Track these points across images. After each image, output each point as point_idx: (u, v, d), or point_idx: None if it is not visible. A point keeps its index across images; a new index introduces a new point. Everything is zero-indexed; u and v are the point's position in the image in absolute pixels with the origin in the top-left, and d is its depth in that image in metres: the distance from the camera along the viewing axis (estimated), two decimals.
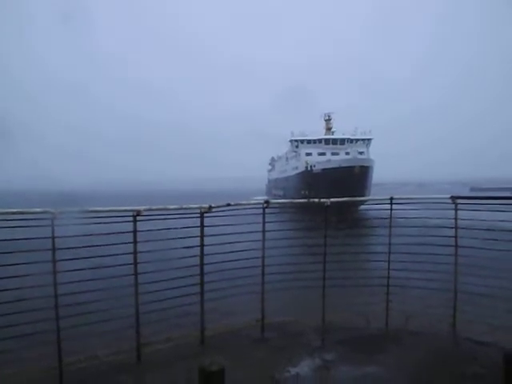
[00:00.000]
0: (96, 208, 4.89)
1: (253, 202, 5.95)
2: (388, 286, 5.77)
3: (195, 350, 5.25)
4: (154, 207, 5.05)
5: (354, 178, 46.20)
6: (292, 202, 6.23)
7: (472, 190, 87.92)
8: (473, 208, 5.50)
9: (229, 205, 5.41)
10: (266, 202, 5.54)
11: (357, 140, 59.97)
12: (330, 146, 59.46)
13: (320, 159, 56.90)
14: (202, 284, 5.29)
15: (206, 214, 5.20)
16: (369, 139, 60.69)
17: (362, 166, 48.98)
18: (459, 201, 5.50)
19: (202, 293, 5.29)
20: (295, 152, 63.13)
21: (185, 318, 5.43)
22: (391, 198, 5.72)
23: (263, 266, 5.55)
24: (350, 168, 48.27)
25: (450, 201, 5.50)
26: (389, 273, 5.74)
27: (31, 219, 4.42)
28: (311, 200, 5.80)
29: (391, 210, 5.76)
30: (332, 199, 5.79)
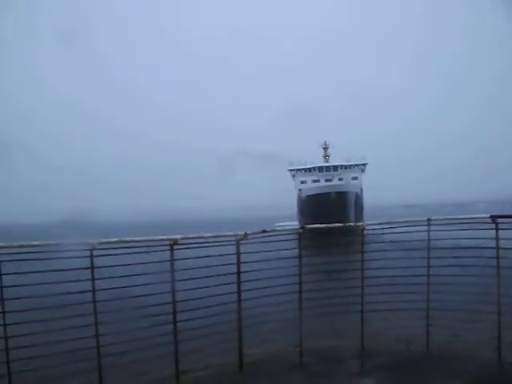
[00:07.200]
0: (134, 238, 5.05)
1: (288, 227, 5.98)
2: (428, 309, 5.64)
3: (234, 377, 5.26)
4: (190, 236, 5.14)
5: (331, 203, 46.06)
6: (328, 227, 6.19)
7: None
8: None
9: (264, 231, 5.45)
10: (302, 227, 5.57)
11: (351, 166, 60.35)
12: (324, 173, 60.14)
13: (313, 186, 57.36)
14: (239, 311, 5.31)
15: (241, 241, 5.26)
16: (363, 164, 61.00)
17: (338, 192, 49.00)
18: (500, 220, 5.36)
19: (239, 319, 5.29)
20: (294, 181, 64.33)
21: (223, 344, 5.46)
22: (429, 219, 5.62)
23: (300, 291, 5.53)
24: (327, 194, 48.64)
25: (489, 220, 5.37)
26: (428, 295, 5.62)
27: (71, 250, 4.62)
28: (347, 224, 5.79)
29: (429, 231, 5.65)
30: (367, 223, 5.76)
